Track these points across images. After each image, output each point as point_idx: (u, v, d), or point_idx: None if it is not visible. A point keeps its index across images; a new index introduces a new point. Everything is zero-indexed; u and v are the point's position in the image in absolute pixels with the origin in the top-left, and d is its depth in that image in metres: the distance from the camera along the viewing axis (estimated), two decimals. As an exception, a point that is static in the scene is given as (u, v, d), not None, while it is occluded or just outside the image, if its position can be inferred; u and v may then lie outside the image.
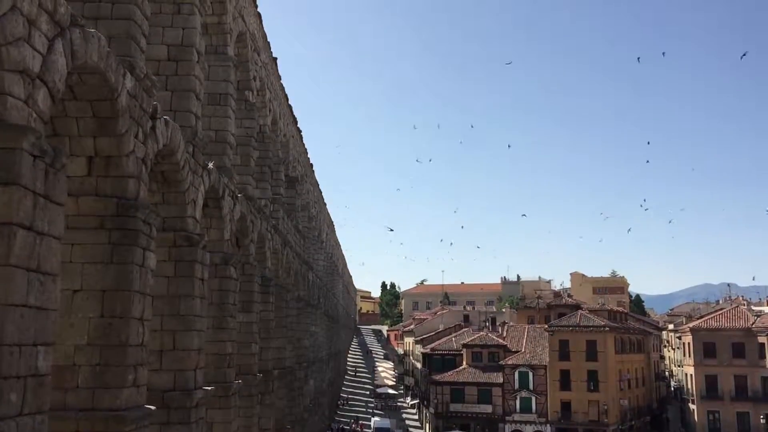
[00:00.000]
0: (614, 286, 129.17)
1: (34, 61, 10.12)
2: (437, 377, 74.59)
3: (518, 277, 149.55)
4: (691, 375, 75.61)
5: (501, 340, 75.95)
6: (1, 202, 9.32)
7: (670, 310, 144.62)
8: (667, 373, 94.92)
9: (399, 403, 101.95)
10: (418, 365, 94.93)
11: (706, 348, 73.82)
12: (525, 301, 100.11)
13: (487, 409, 71.24)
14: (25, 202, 9.62)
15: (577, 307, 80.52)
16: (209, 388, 20.02)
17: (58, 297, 10.79)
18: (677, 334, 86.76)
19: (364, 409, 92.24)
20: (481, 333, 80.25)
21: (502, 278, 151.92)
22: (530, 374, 70.99)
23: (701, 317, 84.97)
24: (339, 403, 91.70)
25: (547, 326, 73.68)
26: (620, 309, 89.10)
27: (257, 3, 29.76)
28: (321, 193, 71.25)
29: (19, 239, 9.46)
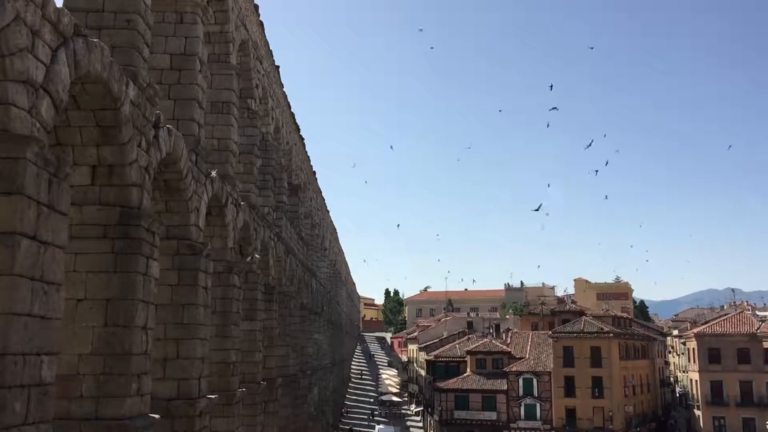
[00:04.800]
0: (618, 291, 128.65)
1: (38, 71, 10.16)
2: (441, 384, 74.35)
3: (522, 283, 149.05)
4: (696, 381, 75.34)
5: (505, 347, 75.70)
6: (5, 212, 9.36)
7: (675, 315, 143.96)
8: (672, 379, 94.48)
9: (403, 411, 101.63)
10: (422, 372, 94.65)
11: (711, 354, 73.59)
12: (529, 307, 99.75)
13: (492, 416, 70.95)
14: (29, 211, 9.65)
15: (581, 313, 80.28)
16: (213, 396, 20.01)
17: (62, 306, 10.80)
18: (682, 340, 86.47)
19: (368, 417, 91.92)
20: (485, 340, 79.98)
21: (505, 285, 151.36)
22: (534, 381, 70.72)
23: (706, 323, 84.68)
24: (343, 411, 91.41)
25: (551, 332, 73.43)
26: (624, 315, 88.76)
27: (259, 12, 29.88)
28: (324, 200, 71.31)
29: (23, 249, 9.49)
